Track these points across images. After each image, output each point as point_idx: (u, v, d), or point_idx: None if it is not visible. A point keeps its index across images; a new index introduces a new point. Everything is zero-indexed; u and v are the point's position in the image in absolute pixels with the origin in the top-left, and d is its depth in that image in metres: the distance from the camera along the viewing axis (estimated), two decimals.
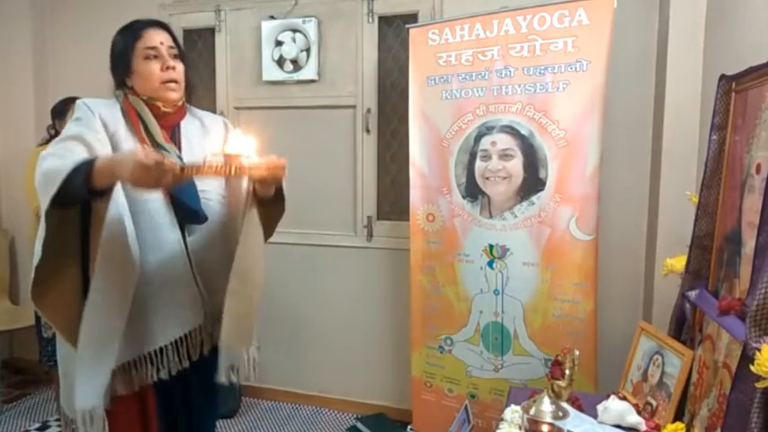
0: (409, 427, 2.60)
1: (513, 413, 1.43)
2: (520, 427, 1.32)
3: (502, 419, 1.43)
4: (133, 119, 1.43)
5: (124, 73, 1.45)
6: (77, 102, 1.44)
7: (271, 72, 2.84)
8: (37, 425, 2.78)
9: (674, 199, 2.12)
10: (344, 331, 2.93)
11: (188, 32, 3.06)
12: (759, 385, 0.98)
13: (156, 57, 1.43)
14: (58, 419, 2.78)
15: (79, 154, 1.30)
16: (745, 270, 1.17)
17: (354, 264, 2.89)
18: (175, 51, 1.47)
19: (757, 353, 0.98)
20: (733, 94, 1.35)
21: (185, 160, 1.44)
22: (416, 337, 2.44)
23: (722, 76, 1.37)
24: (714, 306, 1.26)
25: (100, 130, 1.37)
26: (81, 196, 1.25)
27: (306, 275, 2.94)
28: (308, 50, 2.80)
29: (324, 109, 2.87)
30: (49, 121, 2.66)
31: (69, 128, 1.39)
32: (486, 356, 2.26)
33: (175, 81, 1.45)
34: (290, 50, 2.79)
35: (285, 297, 2.92)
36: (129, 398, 1.43)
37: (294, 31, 2.79)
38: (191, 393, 1.58)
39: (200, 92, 3.10)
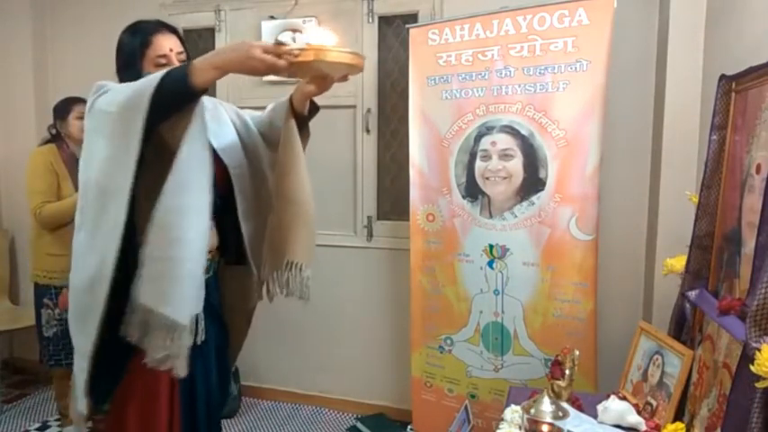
0: (409, 427, 2.60)
1: (513, 413, 1.43)
2: (520, 427, 1.32)
3: (502, 419, 1.43)
4: None
5: (134, 78, 1.42)
6: (100, 82, 1.38)
7: None
8: (37, 425, 2.78)
9: (674, 199, 2.12)
10: (344, 331, 2.93)
11: (188, 32, 3.05)
12: (759, 385, 0.98)
13: (166, 64, 1.43)
14: (58, 419, 2.78)
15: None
16: (745, 270, 1.17)
17: (354, 264, 2.89)
18: (183, 56, 1.48)
19: (757, 353, 0.98)
20: (733, 94, 1.35)
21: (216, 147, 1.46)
22: (416, 337, 2.44)
23: (722, 76, 1.37)
24: (714, 306, 1.26)
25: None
26: (182, 99, 1.23)
27: None
28: None
29: (324, 109, 2.85)
30: (50, 121, 2.66)
31: (111, 87, 1.33)
32: (486, 356, 2.26)
33: None
34: None
35: (285, 296, 2.91)
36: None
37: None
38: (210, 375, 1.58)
39: None
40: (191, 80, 1.21)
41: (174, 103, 1.25)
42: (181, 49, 1.48)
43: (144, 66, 1.43)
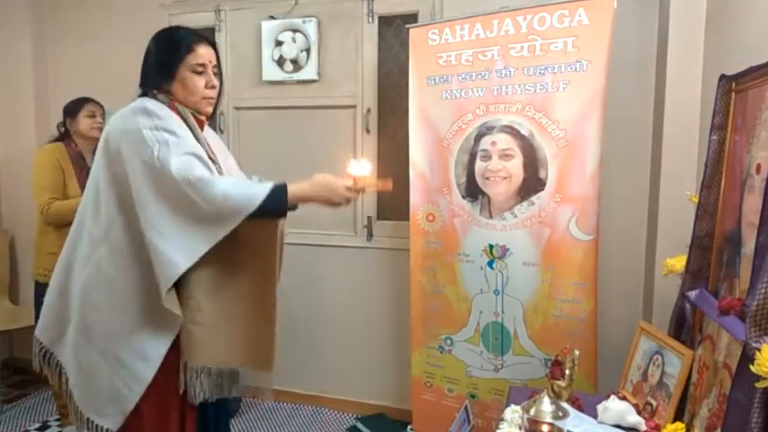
0: (409, 427, 2.60)
1: (513, 413, 1.43)
2: (520, 427, 1.32)
3: (502, 419, 1.43)
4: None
5: (165, 79, 1.50)
6: (148, 107, 1.44)
7: (271, 72, 2.84)
8: (37, 425, 2.78)
9: (674, 199, 2.12)
10: (344, 331, 2.93)
11: None
12: (759, 385, 0.98)
13: (202, 73, 1.51)
14: (58, 419, 2.78)
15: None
16: (745, 270, 1.17)
17: (354, 264, 2.89)
18: (216, 70, 1.56)
19: (757, 353, 0.98)
20: (733, 94, 1.35)
21: (221, 165, 1.57)
22: (416, 337, 2.44)
23: (722, 76, 1.37)
24: (714, 306, 1.26)
25: (192, 139, 1.47)
26: (275, 217, 1.44)
27: (306, 275, 2.94)
28: (307, 50, 2.80)
29: (324, 109, 2.87)
30: (50, 122, 2.67)
31: (171, 138, 1.40)
32: (486, 356, 2.26)
33: (213, 98, 1.55)
34: (290, 50, 2.79)
35: (285, 297, 2.91)
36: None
37: (294, 31, 2.79)
38: None
39: None
40: (286, 207, 1.43)
41: (266, 218, 1.43)
42: (216, 62, 1.56)
43: (180, 69, 1.49)
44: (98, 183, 1.46)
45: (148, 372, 1.43)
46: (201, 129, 1.57)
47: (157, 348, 1.43)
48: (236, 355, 1.51)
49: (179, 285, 1.41)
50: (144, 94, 1.53)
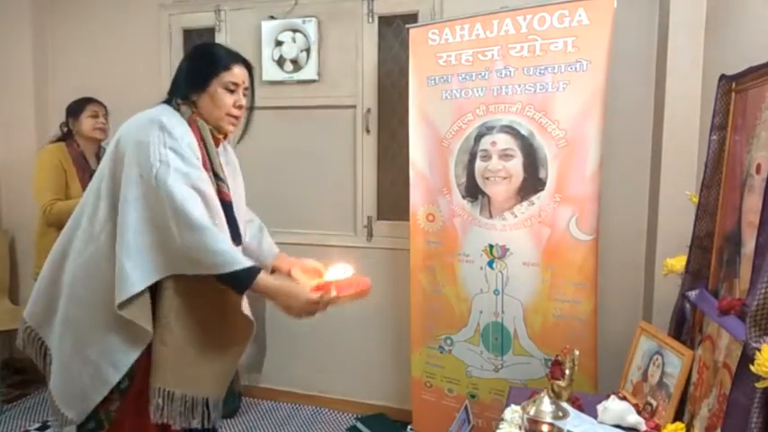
0: (409, 427, 2.60)
1: (513, 413, 1.43)
2: (520, 427, 1.32)
3: (502, 419, 1.43)
4: (199, 144, 1.49)
5: (195, 90, 1.51)
6: (161, 120, 1.42)
7: (271, 72, 2.84)
8: (37, 425, 2.78)
9: (674, 199, 2.12)
10: (344, 331, 2.92)
11: (188, 32, 3.06)
12: (759, 385, 0.98)
13: (233, 92, 1.52)
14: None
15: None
16: (745, 270, 1.17)
17: (354, 264, 2.88)
18: (247, 92, 1.57)
19: (757, 353, 0.98)
20: (733, 94, 1.35)
21: (228, 184, 1.57)
22: (416, 337, 2.44)
23: (722, 76, 1.37)
24: (714, 306, 1.26)
25: (198, 162, 1.44)
26: (235, 288, 1.40)
27: None
28: (308, 50, 2.80)
29: (324, 109, 2.87)
30: (50, 122, 2.66)
31: (172, 158, 1.38)
32: (486, 356, 2.26)
33: (238, 118, 1.56)
34: (290, 50, 2.79)
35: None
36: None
37: (294, 31, 2.79)
38: None
39: None
40: (246, 289, 1.40)
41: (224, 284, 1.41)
42: (248, 85, 1.57)
43: (212, 82, 1.50)
44: (101, 183, 1.46)
45: (114, 376, 1.43)
46: (217, 146, 1.56)
47: (126, 355, 1.43)
48: (198, 385, 1.49)
49: (156, 301, 1.42)
50: (167, 102, 1.52)
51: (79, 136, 2.57)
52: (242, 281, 1.37)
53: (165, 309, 1.42)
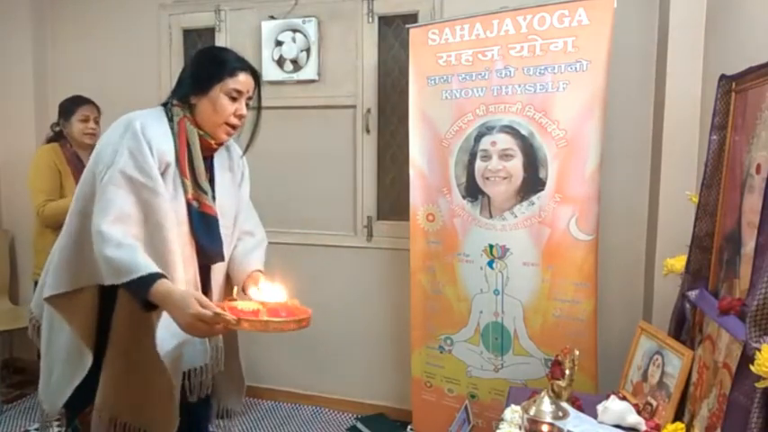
0: (409, 427, 2.60)
1: (513, 413, 1.43)
2: (520, 427, 1.32)
3: (502, 419, 1.43)
4: (182, 150, 1.43)
5: (196, 92, 1.45)
6: (133, 122, 1.38)
7: (271, 72, 2.84)
8: (37, 425, 2.77)
9: (674, 199, 2.12)
10: (344, 331, 2.92)
11: (188, 32, 3.06)
12: (759, 385, 0.98)
13: (235, 99, 1.46)
14: (58, 419, 2.77)
15: (132, 219, 1.33)
16: (745, 270, 1.17)
17: (354, 264, 2.89)
18: (250, 102, 1.51)
19: (757, 353, 0.98)
20: (733, 94, 1.35)
21: (217, 195, 1.50)
22: (416, 337, 2.44)
23: (722, 76, 1.37)
24: (714, 306, 1.26)
25: (153, 169, 1.35)
26: (137, 298, 1.32)
27: (305, 275, 2.93)
28: (308, 50, 2.80)
29: (324, 109, 2.87)
30: (49, 122, 2.66)
31: (124, 160, 1.33)
32: (486, 356, 2.26)
33: (236, 128, 1.50)
34: (289, 50, 2.79)
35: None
36: None
37: (294, 31, 2.79)
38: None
39: None
40: (145, 300, 1.29)
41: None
42: (252, 95, 1.51)
43: (215, 87, 1.44)
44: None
45: (79, 374, 1.43)
46: (209, 153, 1.52)
47: (88, 352, 1.43)
48: (135, 414, 1.44)
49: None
50: (165, 103, 1.49)
51: (70, 137, 2.56)
52: (138, 290, 1.28)
53: (111, 328, 1.42)
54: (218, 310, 1.25)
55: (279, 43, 2.82)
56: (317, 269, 2.94)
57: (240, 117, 1.48)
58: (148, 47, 3.08)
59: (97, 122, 2.60)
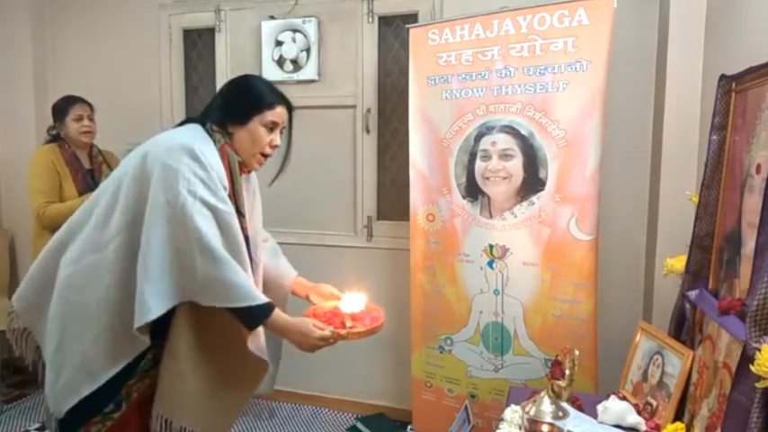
0: (409, 427, 2.60)
1: (513, 413, 1.43)
2: (520, 427, 1.32)
3: (502, 419, 1.43)
4: (227, 175, 1.48)
5: (233, 121, 1.49)
6: (191, 148, 1.38)
7: (271, 72, 2.84)
8: (37, 425, 2.78)
9: (674, 199, 2.12)
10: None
11: (188, 32, 3.06)
12: (759, 385, 0.98)
13: (271, 130, 1.52)
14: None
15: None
16: (745, 270, 1.17)
17: (354, 264, 2.88)
18: (284, 131, 1.59)
19: (757, 353, 0.98)
20: (733, 94, 1.35)
21: (245, 217, 1.56)
22: (416, 337, 2.44)
23: (722, 76, 1.37)
24: (714, 306, 1.26)
25: (225, 194, 1.42)
26: (246, 323, 1.41)
27: (305, 275, 2.93)
28: (308, 50, 2.80)
29: (324, 109, 2.87)
30: (50, 122, 2.65)
31: (201, 190, 1.36)
32: (486, 356, 2.26)
33: (267, 158, 1.56)
34: (290, 50, 2.79)
35: None
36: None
37: (294, 31, 2.80)
38: None
39: (200, 92, 3.11)
40: (257, 325, 1.43)
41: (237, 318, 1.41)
42: (286, 125, 1.58)
43: (252, 118, 1.49)
44: (119, 189, 1.42)
45: (87, 387, 1.41)
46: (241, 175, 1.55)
47: (103, 367, 1.41)
48: (194, 417, 1.46)
49: (162, 323, 1.40)
50: (201, 123, 1.50)
51: (67, 138, 2.54)
52: (254, 317, 1.39)
53: (174, 335, 1.41)
54: (332, 329, 1.50)
55: (279, 43, 2.82)
56: (317, 269, 2.92)
57: (274, 147, 1.55)
58: (148, 47, 3.08)
59: (92, 119, 2.59)
